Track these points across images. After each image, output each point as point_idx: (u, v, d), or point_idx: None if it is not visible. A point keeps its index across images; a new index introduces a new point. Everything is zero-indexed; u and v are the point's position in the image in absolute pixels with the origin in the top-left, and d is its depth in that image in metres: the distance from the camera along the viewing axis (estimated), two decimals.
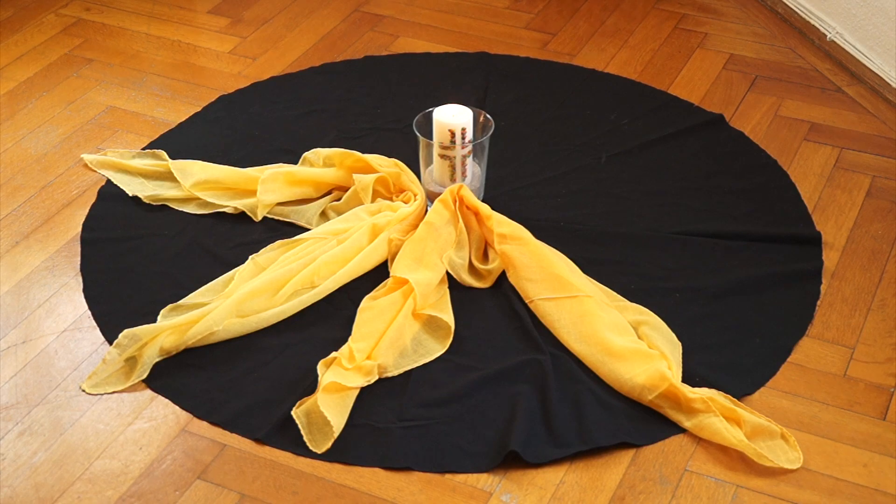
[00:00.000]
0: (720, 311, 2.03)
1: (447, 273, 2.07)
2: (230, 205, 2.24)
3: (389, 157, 2.29)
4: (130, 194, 2.28)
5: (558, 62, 2.69)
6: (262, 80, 2.64)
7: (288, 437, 1.82)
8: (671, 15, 2.87)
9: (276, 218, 2.23)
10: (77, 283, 2.11)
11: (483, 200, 2.19)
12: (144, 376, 1.91)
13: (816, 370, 1.93)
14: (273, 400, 1.87)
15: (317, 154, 2.32)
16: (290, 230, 2.20)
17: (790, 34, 2.77)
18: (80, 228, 2.22)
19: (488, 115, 2.20)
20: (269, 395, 1.88)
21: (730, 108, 2.54)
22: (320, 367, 1.88)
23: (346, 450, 1.80)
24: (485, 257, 2.13)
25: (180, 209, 2.25)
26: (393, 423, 1.83)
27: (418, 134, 2.17)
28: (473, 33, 2.81)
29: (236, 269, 2.08)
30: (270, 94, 2.59)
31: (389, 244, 2.11)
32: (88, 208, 2.27)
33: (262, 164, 2.32)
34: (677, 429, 1.83)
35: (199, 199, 2.26)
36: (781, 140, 2.44)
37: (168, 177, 2.31)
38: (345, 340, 1.93)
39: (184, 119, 2.52)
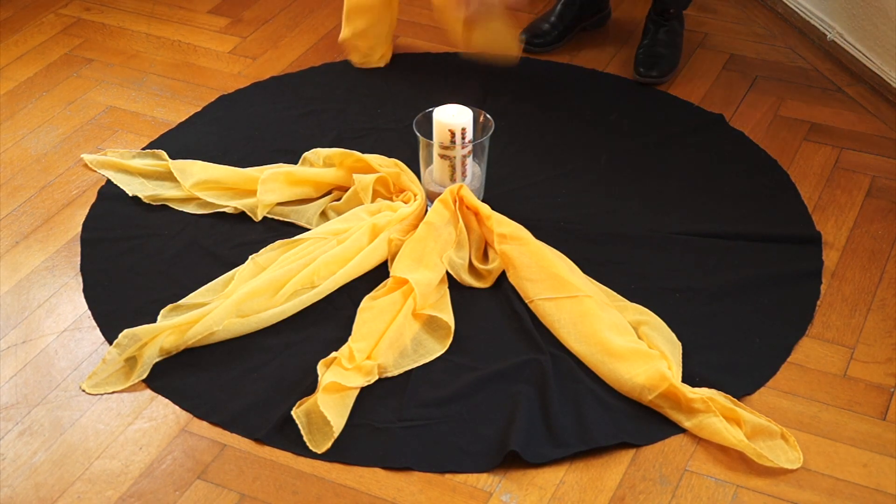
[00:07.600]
0: (720, 311, 2.03)
1: (447, 273, 2.07)
2: (230, 205, 2.24)
3: (389, 157, 2.29)
4: (130, 194, 2.28)
5: (558, 62, 2.69)
6: (262, 80, 2.64)
7: (288, 437, 1.82)
8: None
9: (276, 218, 2.23)
10: (77, 283, 2.11)
11: (483, 200, 2.19)
12: (144, 376, 1.91)
13: (816, 370, 1.93)
14: (273, 400, 1.87)
15: (317, 154, 2.32)
16: (290, 230, 2.20)
17: (790, 34, 2.77)
18: (80, 228, 2.22)
19: (488, 115, 2.20)
20: (269, 395, 1.88)
21: (730, 108, 2.54)
22: (320, 367, 1.88)
23: (346, 450, 1.80)
24: (485, 257, 2.13)
25: (180, 209, 2.25)
26: (393, 423, 1.83)
27: (418, 134, 2.17)
28: None
29: (236, 269, 2.08)
30: (270, 94, 2.59)
31: (389, 244, 2.11)
32: (88, 208, 2.27)
33: (262, 164, 2.32)
34: (677, 429, 1.83)
35: (199, 199, 2.26)
36: (781, 140, 2.44)
37: (168, 177, 2.31)
38: (345, 340, 1.93)
39: (184, 119, 2.52)
